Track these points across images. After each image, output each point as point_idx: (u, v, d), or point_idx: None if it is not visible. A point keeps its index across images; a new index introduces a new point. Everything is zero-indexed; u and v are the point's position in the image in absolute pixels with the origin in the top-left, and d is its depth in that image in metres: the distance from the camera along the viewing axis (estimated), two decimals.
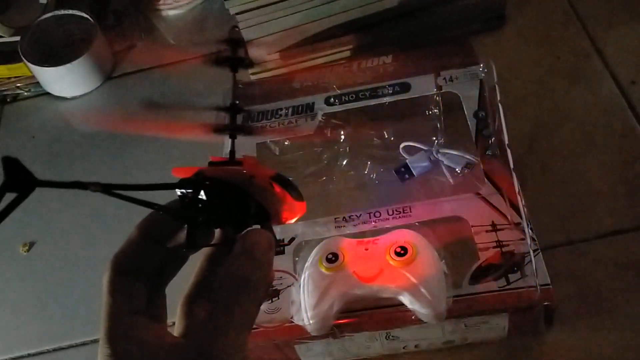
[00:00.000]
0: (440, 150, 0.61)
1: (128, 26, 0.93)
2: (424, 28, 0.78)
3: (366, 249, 0.53)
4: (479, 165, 0.58)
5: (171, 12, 0.94)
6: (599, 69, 0.73)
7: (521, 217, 0.54)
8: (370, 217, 0.57)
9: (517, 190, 0.55)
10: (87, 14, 0.88)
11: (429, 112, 0.65)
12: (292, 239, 0.57)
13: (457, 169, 0.60)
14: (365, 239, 0.54)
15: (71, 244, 0.74)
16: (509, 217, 0.54)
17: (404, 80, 0.66)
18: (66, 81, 0.87)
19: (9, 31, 0.92)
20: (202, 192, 0.38)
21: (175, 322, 0.40)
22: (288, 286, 0.54)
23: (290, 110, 0.68)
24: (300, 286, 0.53)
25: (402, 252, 0.51)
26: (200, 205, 0.38)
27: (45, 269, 0.73)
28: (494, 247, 0.53)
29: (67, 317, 0.68)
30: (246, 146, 0.65)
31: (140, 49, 0.92)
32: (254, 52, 0.78)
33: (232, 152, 0.41)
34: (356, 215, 0.58)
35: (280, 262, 0.55)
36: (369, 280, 0.51)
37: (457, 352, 0.57)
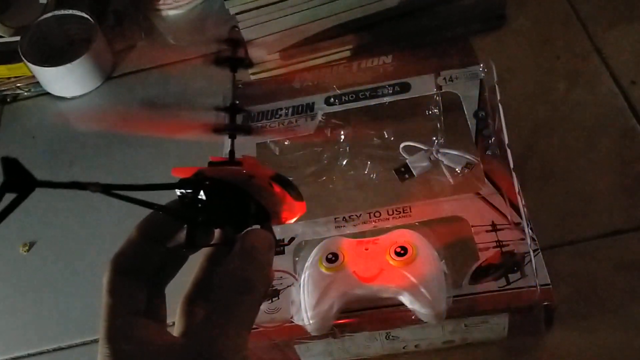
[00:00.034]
0: (440, 150, 0.61)
1: (128, 26, 0.93)
2: (424, 28, 0.78)
3: (366, 249, 0.53)
4: (479, 165, 0.58)
5: (171, 12, 0.94)
6: (599, 69, 0.73)
7: (521, 217, 0.54)
8: (370, 217, 0.57)
9: (517, 190, 0.55)
10: (87, 14, 0.88)
11: (429, 112, 0.65)
12: (292, 239, 0.57)
13: (457, 169, 0.60)
14: (365, 239, 0.54)
15: (71, 244, 0.74)
16: (509, 217, 0.54)
17: (404, 80, 0.66)
18: (66, 81, 0.87)
19: (9, 31, 0.92)
20: (201, 192, 0.38)
21: (175, 322, 0.40)
22: (288, 286, 0.54)
23: (290, 110, 0.68)
24: (300, 286, 0.53)
25: (402, 252, 0.51)
26: (200, 205, 0.38)
27: (45, 269, 0.73)
28: (494, 247, 0.53)
29: (67, 317, 0.68)
30: (246, 146, 0.65)
31: (140, 49, 0.92)
32: (254, 52, 0.78)
33: (232, 152, 0.41)
34: (356, 215, 0.58)
35: (280, 262, 0.55)
36: (369, 280, 0.51)
37: (457, 352, 0.57)
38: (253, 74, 0.80)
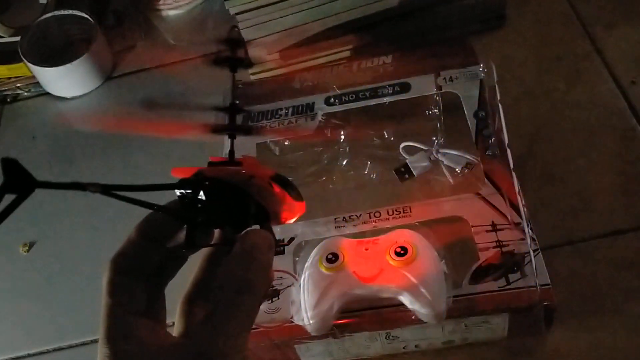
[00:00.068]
0: (440, 150, 0.61)
1: (128, 26, 0.94)
2: (424, 28, 0.78)
3: (366, 249, 0.53)
4: (479, 165, 0.58)
5: (171, 12, 0.94)
6: (599, 69, 0.73)
7: (521, 217, 0.54)
8: (370, 217, 0.57)
9: (517, 190, 0.55)
10: (87, 14, 0.88)
11: (429, 112, 0.65)
12: (292, 239, 0.57)
13: (457, 169, 0.60)
14: (365, 239, 0.54)
15: (71, 244, 0.74)
16: (509, 217, 0.54)
17: (404, 80, 0.66)
18: (66, 81, 0.87)
19: (9, 31, 0.92)
20: (201, 193, 0.38)
21: (174, 322, 0.40)
22: (288, 286, 0.54)
23: (290, 110, 0.68)
24: (300, 286, 0.53)
25: (402, 252, 0.51)
26: (199, 205, 0.38)
27: (45, 269, 0.73)
28: (494, 247, 0.53)
29: (67, 317, 0.68)
30: (246, 146, 0.65)
31: (140, 49, 0.92)
32: (254, 52, 0.78)
33: (232, 152, 0.41)
34: (356, 215, 0.58)
35: (280, 262, 0.55)
36: (369, 280, 0.51)
37: (457, 352, 0.57)
38: (253, 74, 0.80)
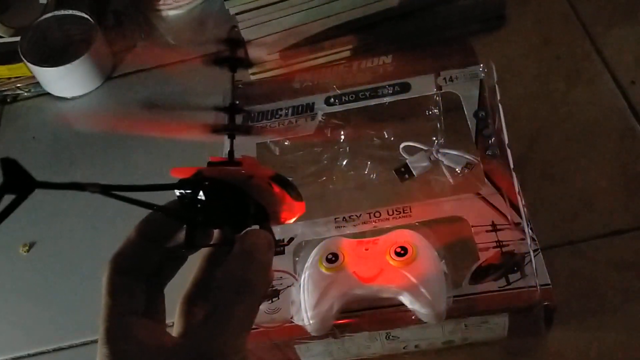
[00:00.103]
0: (440, 150, 0.61)
1: (128, 26, 0.94)
2: (424, 28, 0.78)
3: (366, 249, 0.53)
4: (479, 165, 0.58)
5: (171, 13, 0.94)
6: (599, 69, 0.73)
7: (521, 217, 0.53)
8: (370, 217, 0.57)
9: (517, 190, 0.55)
10: (87, 15, 0.88)
11: (429, 112, 0.65)
12: (292, 239, 0.57)
13: (457, 169, 0.60)
14: (365, 239, 0.54)
15: (71, 244, 0.74)
16: (509, 217, 0.54)
17: (404, 80, 0.66)
18: (66, 81, 0.87)
19: (9, 31, 0.92)
20: (201, 193, 0.38)
21: (174, 322, 0.40)
22: (288, 286, 0.54)
23: (290, 110, 0.68)
24: (300, 286, 0.53)
25: (402, 252, 0.51)
26: (199, 205, 0.38)
27: (45, 269, 0.73)
28: (494, 247, 0.52)
29: (67, 317, 0.68)
30: (246, 146, 0.65)
31: (140, 49, 0.92)
32: (254, 53, 0.78)
33: (231, 152, 0.41)
34: (356, 215, 0.58)
35: (280, 262, 0.55)
36: (369, 281, 0.51)
37: (457, 352, 0.57)
38: (253, 74, 0.80)
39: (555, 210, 0.63)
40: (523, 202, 0.55)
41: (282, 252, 0.56)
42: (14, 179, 0.28)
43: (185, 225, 0.38)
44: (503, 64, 0.70)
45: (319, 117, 0.66)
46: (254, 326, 0.51)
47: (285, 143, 0.67)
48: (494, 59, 0.65)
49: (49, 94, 0.90)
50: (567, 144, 0.67)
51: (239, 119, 0.43)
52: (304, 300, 0.52)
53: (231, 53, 0.42)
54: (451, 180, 0.61)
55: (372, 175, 0.64)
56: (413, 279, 0.50)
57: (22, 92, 0.91)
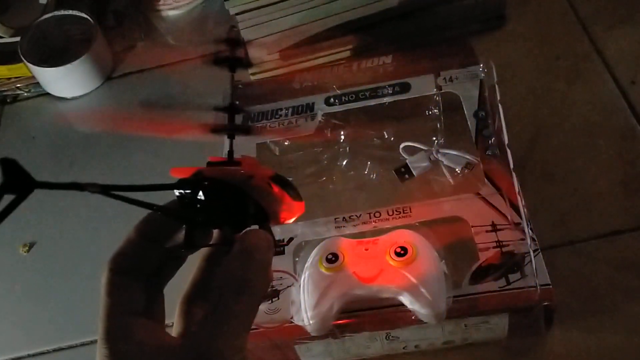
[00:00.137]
0: (440, 151, 0.61)
1: (128, 26, 0.94)
2: (424, 28, 0.78)
3: (366, 249, 0.53)
4: (479, 165, 0.58)
5: (171, 13, 0.94)
6: (599, 69, 0.73)
7: (521, 217, 0.53)
8: (370, 218, 0.57)
9: (517, 191, 0.55)
10: (87, 15, 0.88)
11: (429, 112, 0.65)
12: (291, 239, 0.57)
13: (457, 169, 0.60)
14: (365, 239, 0.54)
15: (71, 244, 0.74)
16: (509, 217, 0.54)
17: (403, 80, 0.66)
18: (66, 81, 0.87)
19: (9, 32, 0.92)
20: (200, 193, 0.37)
21: (173, 322, 0.40)
22: (288, 286, 0.54)
23: (290, 110, 0.68)
24: (300, 286, 0.53)
25: (402, 252, 0.51)
26: (198, 205, 0.38)
27: (45, 269, 0.73)
28: (494, 247, 0.52)
29: (67, 317, 0.68)
30: (246, 146, 0.65)
31: (140, 49, 0.92)
32: (254, 53, 0.78)
33: (231, 152, 0.41)
34: (356, 216, 0.58)
35: (280, 263, 0.55)
36: (369, 281, 0.51)
37: (457, 353, 0.57)
38: (253, 74, 0.80)
39: (555, 210, 0.63)
40: (523, 202, 0.55)
41: (282, 253, 0.56)
42: (13, 179, 0.28)
43: (184, 225, 0.38)
44: (503, 64, 0.70)
45: (319, 117, 0.66)
46: (253, 326, 0.51)
47: (285, 143, 0.67)
48: (494, 59, 0.65)
49: (48, 94, 0.90)
50: (567, 144, 0.67)
51: (238, 119, 0.43)
52: (304, 301, 0.52)
53: (230, 53, 0.42)
54: (451, 181, 0.61)
55: (372, 176, 0.64)
56: (413, 279, 0.50)
57: (22, 92, 0.91)
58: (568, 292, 0.57)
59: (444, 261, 0.52)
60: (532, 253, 0.51)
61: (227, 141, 0.42)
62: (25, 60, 0.85)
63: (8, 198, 0.28)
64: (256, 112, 0.68)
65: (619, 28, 0.76)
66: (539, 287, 0.50)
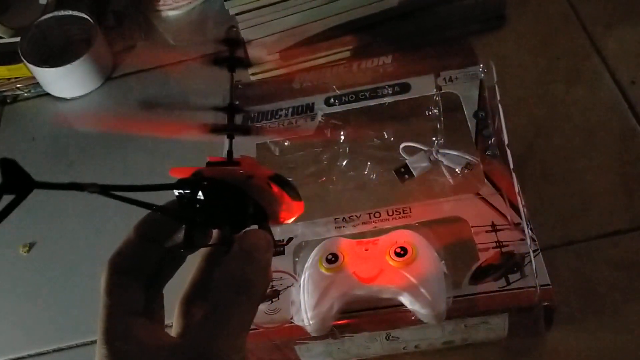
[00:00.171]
0: (440, 151, 0.61)
1: (128, 27, 0.94)
2: (424, 28, 0.78)
3: (366, 250, 0.53)
4: (479, 165, 0.58)
5: (171, 13, 0.94)
6: (599, 69, 0.73)
7: (521, 218, 0.53)
8: (370, 218, 0.57)
9: (516, 191, 0.55)
10: (87, 15, 0.88)
11: (428, 113, 0.65)
12: (290, 239, 0.57)
13: (456, 170, 0.60)
14: (365, 240, 0.54)
15: (71, 244, 0.74)
16: (509, 218, 0.54)
17: (403, 80, 0.66)
18: (66, 82, 0.87)
19: (9, 32, 0.92)
20: (200, 193, 0.37)
21: (173, 322, 0.40)
22: (288, 287, 0.54)
23: (290, 110, 0.68)
24: (300, 287, 0.53)
25: (401, 252, 0.51)
26: (198, 205, 0.38)
27: (45, 269, 0.73)
28: (493, 248, 0.52)
29: (67, 317, 0.68)
30: (246, 147, 0.65)
31: (140, 49, 0.92)
32: (254, 53, 0.78)
33: (230, 152, 0.41)
34: (356, 216, 0.58)
35: (280, 263, 0.55)
36: (369, 281, 0.51)
37: (457, 353, 0.57)
38: (253, 74, 0.80)
39: (555, 211, 0.62)
40: (523, 202, 0.54)
41: (282, 253, 0.56)
42: (12, 179, 0.28)
43: (184, 225, 0.38)
44: (503, 64, 0.70)
45: (319, 118, 0.66)
46: (253, 326, 0.51)
47: (285, 143, 0.67)
48: (494, 59, 0.65)
49: (48, 94, 0.90)
50: (567, 144, 0.67)
51: (238, 119, 0.43)
52: (304, 301, 0.52)
53: (230, 53, 0.42)
54: (451, 181, 0.61)
55: (372, 176, 0.64)
56: (413, 280, 0.50)
57: (22, 92, 0.91)
58: (568, 292, 0.57)
59: (444, 261, 0.52)
60: (532, 253, 0.51)
61: (226, 141, 0.42)
62: (25, 61, 0.85)
63: (8, 198, 0.28)
64: (256, 113, 0.68)
65: (619, 28, 0.76)
66: (538, 287, 0.50)
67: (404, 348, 0.56)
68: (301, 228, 0.57)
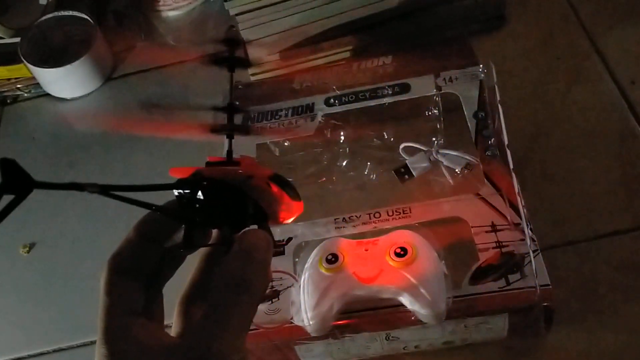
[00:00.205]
0: (440, 151, 0.61)
1: (128, 27, 0.94)
2: (424, 29, 0.78)
3: (366, 250, 0.53)
4: (479, 165, 0.58)
5: (171, 13, 0.94)
6: (599, 69, 0.73)
7: (521, 218, 0.53)
8: (370, 218, 0.57)
9: (516, 191, 0.55)
10: (87, 15, 0.88)
11: (428, 113, 0.65)
12: (290, 239, 0.57)
13: (456, 170, 0.60)
14: (365, 240, 0.54)
15: (71, 245, 0.74)
16: (509, 218, 0.54)
17: (403, 81, 0.66)
18: (66, 82, 0.87)
19: (9, 32, 0.92)
20: (199, 192, 0.38)
21: (172, 322, 0.40)
22: (288, 287, 0.54)
23: (290, 111, 0.68)
24: (300, 287, 0.53)
25: (401, 252, 0.51)
26: (197, 205, 0.38)
27: (45, 270, 0.73)
28: (493, 248, 0.52)
29: (67, 318, 0.68)
30: (246, 147, 0.65)
31: (140, 49, 0.92)
32: (254, 53, 0.78)
33: (230, 152, 0.41)
34: (356, 216, 0.58)
35: (280, 263, 0.55)
36: (369, 281, 0.51)
37: (457, 353, 0.57)
38: (253, 74, 0.80)
39: (555, 211, 0.62)
40: (523, 202, 0.54)
41: (282, 253, 0.56)
42: (12, 179, 0.28)
43: (183, 225, 0.38)
44: (503, 65, 0.70)
45: (319, 118, 0.66)
46: (253, 327, 0.51)
47: (285, 144, 0.67)
48: (494, 59, 0.65)
49: (49, 94, 0.90)
50: (567, 144, 0.67)
51: (238, 119, 0.43)
52: (304, 301, 0.52)
53: (229, 53, 0.42)
54: (451, 181, 0.61)
55: (372, 176, 0.64)
56: (413, 280, 0.50)
57: (22, 93, 0.91)
58: (568, 292, 0.57)
59: (443, 262, 0.52)
60: (531, 253, 0.51)
61: (226, 141, 0.42)
62: (25, 61, 0.85)
63: (8, 198, 0.28)
64: (256, 113, 0.68)
65: (619, 28, 0.76)
66: (538, 288, 0.50)
67: (404, 348, 0.56)
68: (301, 228, 0.57)
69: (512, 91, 0.71)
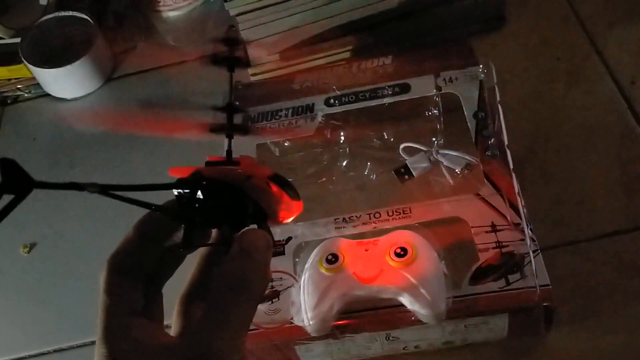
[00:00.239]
0: (440, 151, 0.61)
1: (128, 27, 0.94)
2: (424, 29, 0.78)
3: (366, 250, 0.53)
4: (479, 166, 0.58)
5: (171, 14, 0.94)
6: (599, 69, 0.73)
7: (521, 218, 0.53)
8: (370, 218, 0.57)
9: (516, 191, 0.55)
10: (87, 16, 0.88)
11: (428, 113, 0.65)
12: (290, 239, 0.57)
13: (456, 170, 0.60)
14: (365, 240, 0.54)
15: (71, 245, 0.74)
16: (509, 218, 0.54)
17: (403, 81, 0.66)
18: (66, 82, 0.87)
19: (9, 33, 0.92)
20: (199, 192, 0.38)
21: (172, 322, 0.40)
22: (288, 287, 0.54)
23: (290, 111, 0.68)
24: (300, 287, 0.53)
25: (401, 252, 0.51)
26: (197, 205, 0.38)
27: (46, 270, 0.73)
28: (493, 248, 0.52)
29: (68, 318, 0.68)
30: (246, 147, 0.65)
31: (141, 50, 0.92)
32: (254, 53, 0.78)
33: (229, 151, 0.41)
34: (356, 216, 0.58)
35: (280, 263, 0.55)
36: (369, 281, 0.51)
37: (457, 353, 0.57)
38: (253, 75, 0.80)
39: (555, 211, 0.62)
40: (523, 202, 0.54)
41: (282, 253, 0.56)
42: (12, 179, 0.28)
43: (183, 225, 0.38)
44: (503, 65, 0.70)
45: (319, 118, 0.66)
46: (253, 327, 0.51)
47: (285, 144, 0.67)
48: (494, 59, 0.65)
49: (49, 95, 0.90)
50: (567, 144, 0.67)
51: (238, 119, 0.43)
52: (304, 301, 0.52)
53: (229, 52, 0.42)
54: (451, 181, 0.61)
55: (372, 176, 0.64)
56: (413, 280, 0.50)
57: (23, 93, 0.91)
58: (568, 293, 0.57)
59: (443, 262, 0.52)
60: (531, 253, 0.51)
61: (226, 141, 0.42)
62: (25, 61, 0.85)
63: (8, 198, 0.28)
64: (256, 113, 0.68)
65: (619, 28, 0.76)
66: (538, 288, 0.50)
67: (404, 348, 0.56)
68: (301, 228, 0.57)
69: (512, 91, 0.71)
